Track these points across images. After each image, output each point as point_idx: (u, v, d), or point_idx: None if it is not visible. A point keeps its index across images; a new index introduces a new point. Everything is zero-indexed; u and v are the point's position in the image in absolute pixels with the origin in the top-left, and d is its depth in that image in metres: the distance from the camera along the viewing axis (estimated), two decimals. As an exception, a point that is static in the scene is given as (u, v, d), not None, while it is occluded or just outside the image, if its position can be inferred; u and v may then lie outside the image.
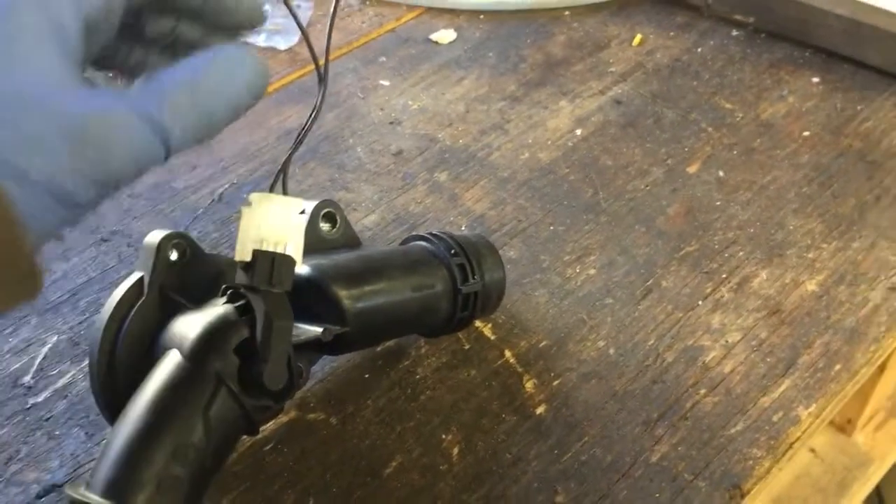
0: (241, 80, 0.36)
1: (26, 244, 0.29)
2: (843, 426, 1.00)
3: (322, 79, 0.47)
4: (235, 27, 0.41)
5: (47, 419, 0.48)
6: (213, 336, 0.39)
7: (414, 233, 0.53)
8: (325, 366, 0.51)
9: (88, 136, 0.31)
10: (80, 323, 0.53)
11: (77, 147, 0.30)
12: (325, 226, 0.49)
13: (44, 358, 0.52)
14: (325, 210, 0.49)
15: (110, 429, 0.40)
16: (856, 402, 0.93)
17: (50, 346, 0.52)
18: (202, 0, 0.38)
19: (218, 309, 0.41)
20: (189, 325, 0.41)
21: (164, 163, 0.34)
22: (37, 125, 0.30)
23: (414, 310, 0.47)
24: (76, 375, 0.51)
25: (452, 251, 0.49)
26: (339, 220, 0.49)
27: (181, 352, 0.39)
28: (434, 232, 0.51)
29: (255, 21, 0.41)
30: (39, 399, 0.49)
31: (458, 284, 0.48)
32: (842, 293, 0.55)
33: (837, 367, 0.51)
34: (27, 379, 0.50)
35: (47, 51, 0.31)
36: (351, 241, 0.50)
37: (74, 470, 0.46)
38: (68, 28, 0.32)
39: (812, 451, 1.00)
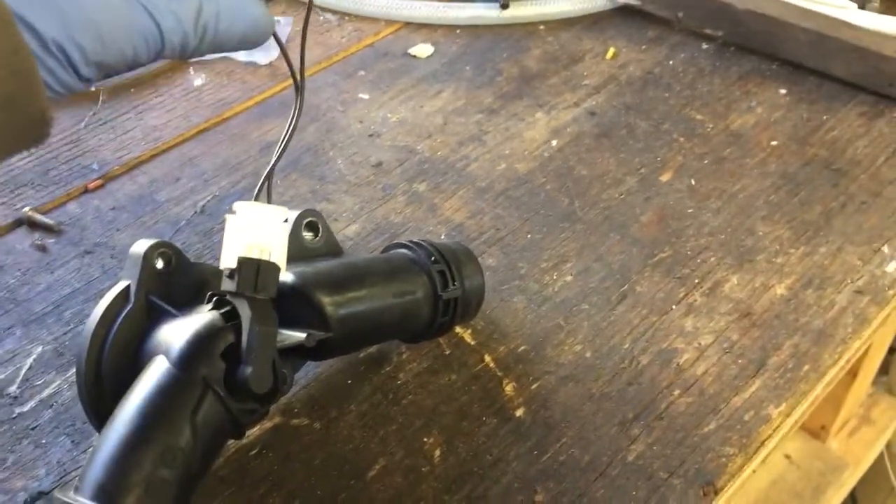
0: (249, 15, 0.38)
1: (40, 88, 0.31)
2: (818, 432, 1.02)
3: (299, 90, 0.48)
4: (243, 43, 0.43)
5: (33, 428, 0.49)
6: (199, 342, 0.40)
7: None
8: (308, 372, 0.52)
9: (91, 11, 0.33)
10: (64, 333, 0.54)
11: (83, 20, 0.32)
12: (307, 234, 0.50)
13: (29, 368, 0.52)
14: (308, 219, 0.50)
15: (97, 435, 0.40)
16: (829, 409, 0.95)
17: (35, 356, 0.53)
18: None
19: (204, 315, 0.42)
20: (176, 332, 0.41)
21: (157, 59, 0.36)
22: None
23: (396, 316, 0.48)
24: (61, 385, 0.51)
25: (433, 258, 0.50)
26: (321, 229, 0.50)
27: (168, 357, 0.40)
28: (414, 240, 0.52)
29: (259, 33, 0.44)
30: (25, 408, 0.50)
31: (439, 290, 0.49)
32: (809, 296, 0.56)
33: (806, 367, 0.53)
34: (13, 389, 0.51)
35: None
36: (333, 249, 0.51)
37: (61, 478, 0.47)
38: None
39: (787, 457, 1.02)
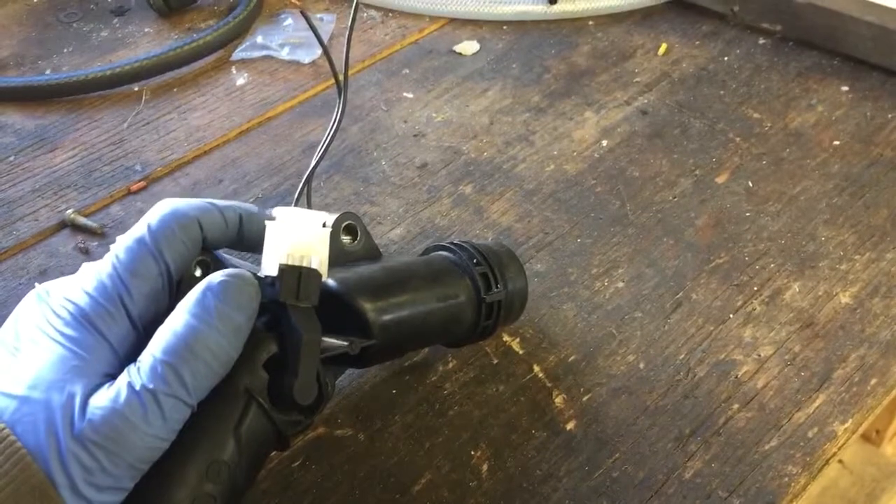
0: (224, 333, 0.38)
1: None
2: (871, 437, 0.99)
3: (341, 91, 0.47)
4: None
5: (75, 435, 0.48)
6: (241, 352, 0.39)
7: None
8: (352, 381, 0.50)
9: (106, 438, 0.35)
10: (107, 338, 0.53)
11: (96, 448, 0.35)
12: (345, 238, 0.49)
13: (71, 373, 0.51)
14: (346, 222, 0.49)
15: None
16: (885, 414, 0.92)
17: (77, 361, 0.52)
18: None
19: (246, 325, 0.41)
20: (218, 342, 0.40)
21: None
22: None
23: (438, 320, 0.47)
24: (103, 391, 0.50)
25: (475, 260, 0.49)
26: (359, 233, 0.49)
27: (210, 369, 0.39)
28: (455, 241, 0.50)
29: None
30: (67, 415, 0.49)
31: (482, 294, 0.48)
32: (876, 305, 0.54)
33: (873, 381, 0.50)
34: (55, 394, 0.50)
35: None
36: (372, 252, 0.49)
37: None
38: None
39: (840, 462, 0.98)
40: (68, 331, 0.37)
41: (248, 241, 0.44)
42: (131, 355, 0.38)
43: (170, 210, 0.41)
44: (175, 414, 0.36)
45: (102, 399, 0.35)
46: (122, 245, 0.40)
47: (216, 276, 0.38)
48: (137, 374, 0.36)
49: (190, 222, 0.41)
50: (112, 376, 0.37)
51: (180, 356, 0.36)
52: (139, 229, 0.40)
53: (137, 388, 0.36)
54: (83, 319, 0.37)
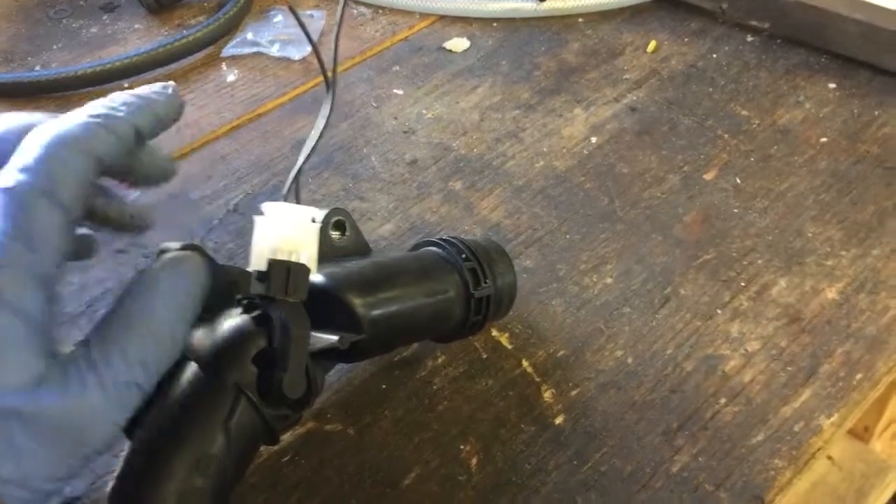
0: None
1: None
2: (861, 433, 0.99)
3: (330, 87, 0.47)
4: (151, 184, 0.43)
5: (64, 431, 0.48)
6: (231, 347, 0.39)
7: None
8: (341, 376, 0.50)
9: (63, 433, 0.32)
10: (96, 334, 0.53)
11: (51, 447, 0.32)
12: (335, 234, 0.49)
13: (60, 369, 0.51)
14: (335, 218, 0.49)
15: (128, 442, 0.39)
16: (873, 410, 0.92)
17: (66, 357, 0.52)
18: (127, 168, 0.40)
19: (235, 320, 0.41)
20: (206, 337, 0.40)
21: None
22: (10, 434, 0.31)
23: (427, 315, 0.47)
24: (93, 386, 0.50)
25: (464, 256, 0.49)
26: (348, 228, 0.49)
27: (199, 363, 0.39)
28: (444, 237, 0.51)
29: (166, 178, 0.44)
30: (56, 410, 0.49)
31: (471, 289, 0.48)
32: (862, 301, 0.54)
33: (859, 375, 0.50)
34: (44, 390, 0.50)
35: (18, 354, 0.32)
36: (361, 248, 0.50)
37: (93, 482, 0.46)
38: (33, 315, 0.33)
39: (829, 458, 0.99)
40: None
41: (141, 170, 0.40)
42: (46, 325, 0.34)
43: (54, 140, 0.34)
44: (133, 401, 0.35)
45: (52, 388, 0.32)
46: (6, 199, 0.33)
47: (165, 255, 0.37)
48: (99, 361, 0.34)
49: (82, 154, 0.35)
50: (35, 352, 0.33)
51: (131, 338, 0.35)
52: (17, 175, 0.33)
53: (105, 378, 0.34)
54: None
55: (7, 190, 0.33)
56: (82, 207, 0.35)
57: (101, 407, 0.34)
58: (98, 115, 0.36)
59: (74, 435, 0.33)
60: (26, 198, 0.33)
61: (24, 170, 0.34)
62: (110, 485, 0.37)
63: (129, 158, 0.38)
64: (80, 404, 0.33)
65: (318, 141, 0.46)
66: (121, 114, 0.37)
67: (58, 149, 0.34)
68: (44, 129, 0.35)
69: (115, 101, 0.38)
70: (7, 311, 0.32)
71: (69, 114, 0.36)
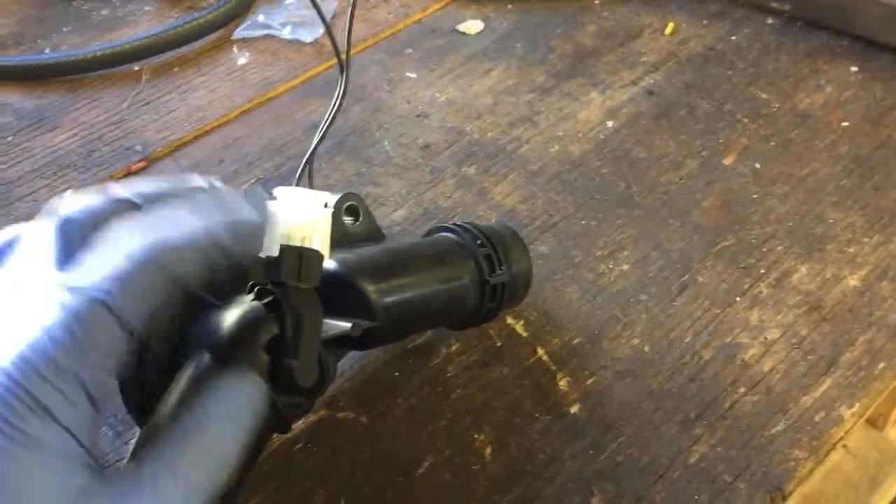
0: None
1: None
2: (875, 420, 0.98)
3: (343, 70, 0.46)
4: None
5: (75, 417, 0.48)
6: (242, 334, 0.39)
7: (440, 225, 0.52)
8: (354, 364, 0.50)
9: None
10: (107, 319, 0.53)
11: None
12: (347, 219, 0.48)
13: (71, 355, 0.51)
14: (348, 203, 0.48)
15: (138, 429, 0.39)
16: (889, 398, 0.91)
17: (77, 342, 0.52)
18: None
19: (246, 306, 0.40)
20: (218, 324, 0.40)
21: None
22: None
23: (442, 302, 0.46)
24: (104, 373, 0.50)
25: (479, 242, 0.48)
26: (361, 213, 0.48)
27: (210, 350, 0.39)
28: (459, 223, 0.50)
29: None
30: (67, 396, 0.49)
31: (486, 275, 0.47)
32: (884, 289, 0.53)
33: (881, 365, 0.49)
34: (55, 376, 0.50)
35: (65, 464, 0.30)
36: (374, 233, 0.49)
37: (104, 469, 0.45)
38: (77, 427, 0.30)
39: (844, 446, 0.98)
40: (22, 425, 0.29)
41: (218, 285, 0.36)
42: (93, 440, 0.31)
43: (150, 249, 0.31)
44: None
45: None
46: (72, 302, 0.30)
47: (228, 371, 0.35)
48: (139, 480, 0.31)
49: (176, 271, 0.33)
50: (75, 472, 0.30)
51: (185, 461, 0.32)
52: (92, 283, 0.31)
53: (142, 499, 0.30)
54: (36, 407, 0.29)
55: (75, 290, 0.31)
56: (151, 328, 0.33)
57: None
58: (199, 240, 0.33)
59: None
60: (91, 309, 0.31)
61: (100, 276, 0.31)
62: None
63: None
64: None
65: (330, 125, 0.45)
66: (225, 243, 0.34)
67: (144, 267, 0.31)
68: (135, 231, 0.32)
69: (227, 225, 0.35)
70: (51, 422, 0.30)
71: (169, 215, 0.34)
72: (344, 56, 0.45)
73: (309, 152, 0.44)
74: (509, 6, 0.77)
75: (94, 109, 0.68)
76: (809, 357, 0.50)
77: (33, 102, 0.69)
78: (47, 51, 0.74)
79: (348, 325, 0.42)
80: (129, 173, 0.62)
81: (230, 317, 0.40)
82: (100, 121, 0.67)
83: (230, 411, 0.34)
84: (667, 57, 0.70)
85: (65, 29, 0.76)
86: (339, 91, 0.45)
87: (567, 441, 0.46)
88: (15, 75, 0.70)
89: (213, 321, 0.40)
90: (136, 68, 0.71)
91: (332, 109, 0.45)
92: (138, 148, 0.64)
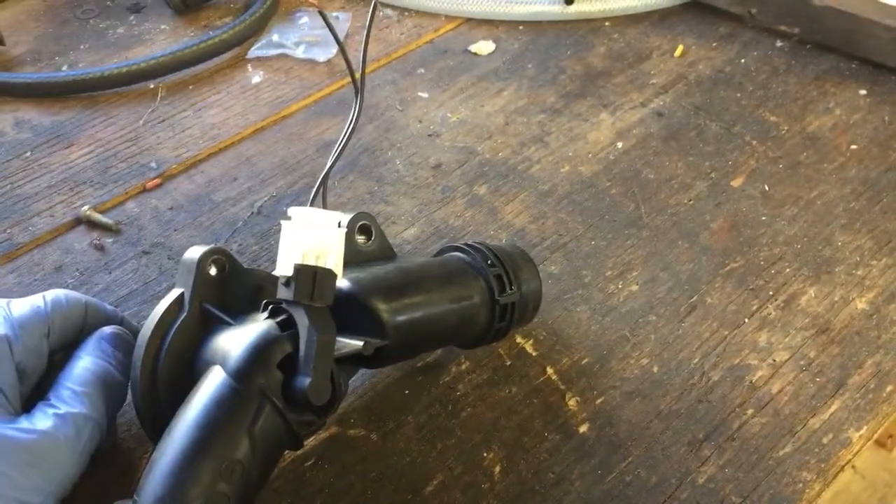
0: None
1: None
2: (884, 442, 0.98)
3: (358, 91, 0.47)
4: None
5: (89, 431, 0.49)
6: (256, 352, 0.39)
7: (452, 245, 0.53)
8: (364, 381, 0.50)
9: (38, 457, 0.38)
10: (121, 335, 0.53)
11: (30, 469, 0.38)
12: (360, 238, 0.49)
13: (86, 370, 0.52)
14: (361, 222, 0.49)
15: (153, 445, 0.40)
16: (898, 419, 0.91)
17: (92, 357, 0.52)
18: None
19: (260, 325, 0.41)
20: (232, 342, 0.40)
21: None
22: None
23: (452, 322, 0.47)
24: (117, 388, 0.51)
25: (489, 262, 0.48)
26: (374, 232, 0.49)
27: (225, 368, 0.39)
28: (469, 242, 0.50)
29: None
30: (81, 411, 0.50)
31: (496, 295, 0.48)
32: (893, 311, 0.53)
33: (889, 387, 0.50)
34: (69, 391, 0.51)
35: None
36: (386, 252, 0.49)
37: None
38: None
39: (853, 467, 0.97)
40: None
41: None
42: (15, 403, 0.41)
43: (63, 291, 0.46)
44: (95, 435, 0.41)
45: (24, 425, 0.39)
46: (17, 303, 0.44)
47: (106, 329, 0.45)
48: (57, 402, 0.41)
49: (78, 303, 0.46)
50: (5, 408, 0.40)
51: (95, 386, 0.42)
52: (35, 297, 0.45)
53: (62, 412, 0.40)
54: None
55: None
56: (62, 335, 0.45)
57: (74, 437, 0.40)
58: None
59: (50, 460, 0.39)
60: None
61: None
62: (136, 488, 0.37)
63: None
64: (54, 433, 0.39)
65: (345, 145, 0.46)
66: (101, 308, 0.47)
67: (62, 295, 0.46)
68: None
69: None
70: None
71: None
72: (359, 76, 0.46)
73: (323, 173, 0.45)
74: (520, 27, 0.78)
75: (111, 126, 0.69)
76: (818, 379, 0.50)
77: (50, 119, 0.70)
78: (65, 68, 0.75)
79: (360, 343, 0.42)
80: (144, 190, 0.63)
81: (244, 335, 0.40)
82: (116, 138, 0.68)
83: (94, 347, 0.45)
84: (676, 79, 0.71)
85: (82, 47, 0.77)
86: (354, 111, 0.46)
87: (576, 461, 0.46)
88: (33, 92, 0.71)
89: (228, 339, 0.41)
90: (152, 86, 0.72)
91: (347, 129, 0.46)
92: (153, 165, 0.65)
